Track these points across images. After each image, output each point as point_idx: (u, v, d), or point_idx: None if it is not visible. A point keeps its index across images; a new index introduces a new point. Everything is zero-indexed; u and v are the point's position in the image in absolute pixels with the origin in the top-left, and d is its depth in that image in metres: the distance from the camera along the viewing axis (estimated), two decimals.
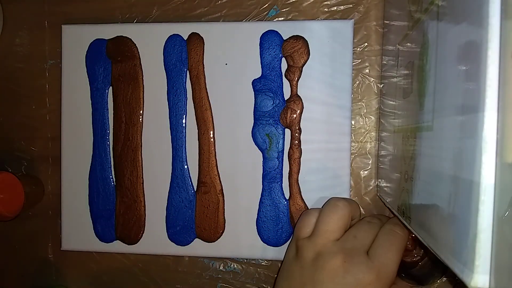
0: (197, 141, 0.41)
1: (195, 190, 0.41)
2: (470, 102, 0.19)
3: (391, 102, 0.35)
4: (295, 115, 0.39)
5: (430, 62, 0.25)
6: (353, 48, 0.39)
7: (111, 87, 0.42)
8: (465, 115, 0.19)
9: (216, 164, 0.40)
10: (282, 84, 0.40)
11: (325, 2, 0.40)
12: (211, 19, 0.41)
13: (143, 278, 0.43)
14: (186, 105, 0.41)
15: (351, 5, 0.40)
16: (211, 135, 0.40)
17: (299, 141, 0.39)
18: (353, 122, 0.40)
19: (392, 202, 0.34)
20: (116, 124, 0.42)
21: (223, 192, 0.40)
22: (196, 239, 0.41)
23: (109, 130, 0.42)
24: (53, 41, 0.43)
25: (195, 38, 0.40)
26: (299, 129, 0.39)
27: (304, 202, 0.40)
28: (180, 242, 0.41)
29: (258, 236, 0.40)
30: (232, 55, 0.40)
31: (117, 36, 0.41)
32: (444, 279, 0.38)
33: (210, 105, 0.40)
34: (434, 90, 0.24)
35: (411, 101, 0.29)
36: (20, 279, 0.45)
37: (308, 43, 0.39)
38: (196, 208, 0.41)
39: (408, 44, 0.30)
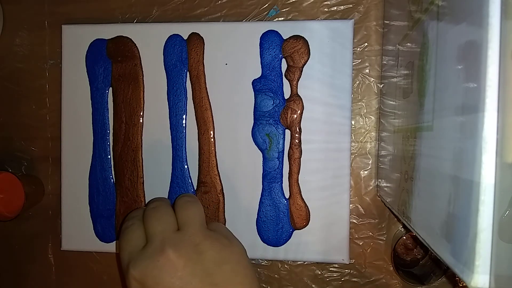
0: (197, 141, 0.41)
1: (195, 190, 0.41)
2: (470, 102, 0.19)
3: (391, 102, 0.35)
4: (295, 115, 0.39)
5: (430, 62, 0.25)
6: (353, 48, 0.39)
7: (111, 87, 0.42)
8: (465, 115, 0.19)
9: (216, 164, 0.40)
10: (282, 84, 0.40)
11: (325, 2, 0.40)
12: (211, 19, 0.41)
13: None
14: (186, 105, 0.41)
15: (351, 5, 0.40)
16: (211, 135, 0.40)
17: (299, 141, 0.39)
18: (353, 122, 0.40)
19: (392, 202, 0.34)
20: (116, 124, 0.42)
21: (223, 192, 0.40)
22: None
23: (109, 130, 0.42)
24: (53, 41, 0.43)
25: (195, 38, 0.40)
26: (299, 129, 0.39)
27: (304, 202, 0.40)
28: None
29: (258, 236, 0.40)
30: (232, 55, 0.40)
31: (117, 36, 0.41)
32: (444, 279, 0.38)
33: (210, 105, 0.40)
34: (434, 90, 0.24)
35: (411, 101, 0.29)
36: (20, 279, 0.45)
37: (308, 43, 0.39)
38: None
39: (408, 44, 0.30)
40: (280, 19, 0.41)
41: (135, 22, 0.42)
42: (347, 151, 0.39)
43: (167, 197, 0.41)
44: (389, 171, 0.36)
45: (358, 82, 0.40)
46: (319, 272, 0.41)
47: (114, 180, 0.42)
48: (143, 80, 0.41)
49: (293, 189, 0.40)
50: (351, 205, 0.40)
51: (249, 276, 0.31)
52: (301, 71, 0.39)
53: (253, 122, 0.40)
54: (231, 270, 0.30)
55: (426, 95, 0.25)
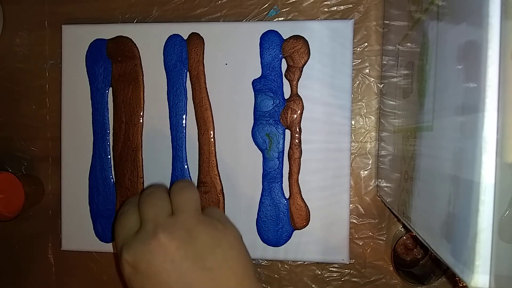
0: (197, 141, 0.41)
1: None
2: (470, 102, 0.19)
3: (391, 102, 0.35)
4: (295, 115, 0.39)
5: (430, 62, 0.25)
6: (353, 48, 0.39)
7: (111, 87, 0.42)
8: (465, 115, 0.19)
9: (216, 164, 0.40)
10: (282, 84, 0.39)
11: (325, 2, 0.40)
12: (211, 19, 0.41)
13: None
14: (186, 105, 0.41)
15: (351, 5, 0.40)
16: (211, 135, 0.40)
17: (299, 141, 0.39)
18: (353, 122, 0.40)
19: (392, 202, 0.34)
20: (116, 124, 0.42)
21: (223, 192, 0.40)
22: None
23: (109, 130, 0.42)
24: (53, 41, 0.43)
25: (195, 38, 0.40)
26: (299, 129, 0.39)
27: (304, 202, 0.40)
28: None
29: (258, 236, 0.40)
30: (232, 55, 0.40)
31: (117, 36, 0.41)
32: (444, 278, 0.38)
33: (210, 105, 0.40)
34: (434, 90, 0.24)
35: (411, 101, 0.29)
36: (20, 279, 0.45)
37: (308, 43, 0.39)
38: None
39: (408, 44, 0.30)
40: (280, 19, 0.41)
41: (135, 22, 0.42)
42: (347, 151, 0.39)
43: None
44: (389, 171, 0.36)
45: (358, 82, 0.40)
46: (319, 272, 0.41)
47: (114, 180, 0.42)
48: (143, 80, 0.41)
49: (293, 189, 0.40)
50: (351, 205, 0.40)
51: (243, 261, 0.30)
52: (301, 71, 0.39)
53: (253, 122, 0.40)
54: (225, 255, 0.29)
55: (426, 95, 0.25)
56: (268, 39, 0.39)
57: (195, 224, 0.30)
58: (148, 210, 0.30)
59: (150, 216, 0.30)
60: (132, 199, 0.34)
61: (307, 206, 0.40)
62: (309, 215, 0.40)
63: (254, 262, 0.42)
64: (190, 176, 0.41)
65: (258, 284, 0.31)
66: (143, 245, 0.28)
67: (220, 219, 0.32)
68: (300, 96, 0.39)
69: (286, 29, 0.39)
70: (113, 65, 0.41)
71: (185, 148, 0.41)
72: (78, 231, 0.42)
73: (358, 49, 0.40)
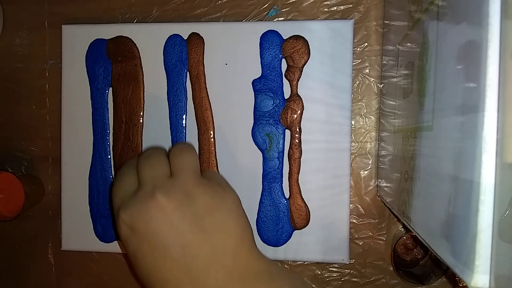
0: (197, 141, 0.41)
1: None
2: (470, 102, 0.19)
3: (391, 102, 0.35)
4: (295, 115, 0.39)
5: (430, 62, 0.25)
6: (353, 48, 0.39)
7: (111, 87, 0.42)
8: (465, 115, 0.19)
9: (217, 164, 0.40)
10: (282, 84, 0.39)
11: (325, 2, 0.40)
12: (211, 19, 0.41)
13: None
14: (186, 105, 0.41)
15: (351, 5, 0.40)
16: (211, 135, 0.40)
17: (299, 141, 0.39)
18: (353, 122, 0.40)
19: (392, 202, 0.34)
20: (116, 124, 0.42)
21: None
22: None
23: (109, 130, 0.42)
24: (53, 41, 0.43)
25: (195, 38, 0.40)
26: (299, 129, 0.39)
27: (304, 202, 0.40)
28: None
29: (258, 236, 0.40)
30: (232, 55, 0.40)
31: (117, 36, 0.41)
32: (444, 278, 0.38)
33: (210, 105, 0.40)
34: (434, 90, 0.24)
35: (411, 101, 0.29)
36: (20, 279, 0.45)
37: (308, 43, 0.39)
38: None
39: (408, 44, 0.30)
40: (280, 19, 0.41)
41: (135, 22, 0.42)
42: (347, 151, 0.39)
43: None
44: (389, 171, 0.36)
45: (358, 82, 0.40)
46: (319, 272, 0.41)
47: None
48: (143, 80, 0.41)
49: (293, 189, 0.40)
50: (351, 205, 0.40)
51: (241, 225, 0.30)
52: (301, 71, 0.39)
53: (253, 122, 0.40)
54: (222, 218, 0.29)
55: (426, 95, 0.25)
56: (268, 39, 0.39)
57: (194, 186, 0.29)
58: (147, 172, 0.30)
59: (148, 177, 0.29)
60: (130, 161, 0.33)
61: (307, 206, 0.40)
62: (309, 215, 0.40)
63: None
64: None
65: (255, 249, 0.30)
66: (140, 206, 0.28)
67: (219, 183, 0.31)
68: (300, 96, 0.39)
69: (286, 29, 0.39)
70: (113, 65, 0.41)
71: None
72: (78, 231, 0.42)
73: (358, 49, 0.40)
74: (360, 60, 0.40)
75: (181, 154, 0.31)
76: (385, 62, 0.39)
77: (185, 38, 0.40)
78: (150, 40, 0.41)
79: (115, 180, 0.32)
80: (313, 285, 0.41)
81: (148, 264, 0.28)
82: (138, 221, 0.28)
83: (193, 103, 0.41)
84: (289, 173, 0.40)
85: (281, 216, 0.40)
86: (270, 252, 0.40)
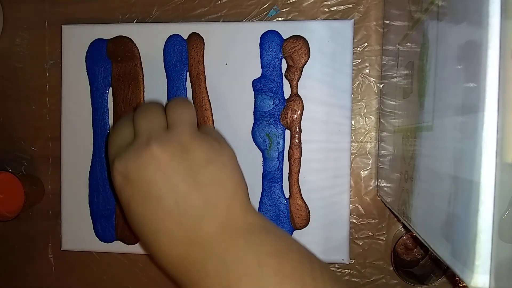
0: None
1: None
2: (470, 102, 0.19)
3: (391, 102, 0.35)
4: (295, 115, 0.39)
5: (430, 62, 0.25)
6: (353, 48, 0.39)
7: (111, 87, 0.42)
8: (465, 115, 0.19)
9: None
10: (282, 84, 0.39)
11: (325, 2, 0.40)
12: (211, 19, 0.41)
13: (143, 278, 0.43)
14: None
15: (351, 5, 0.40)
16: None
17: (299, 141, 0.39)
18: (353, 122, 0.40)
19: (392, 202, 0.34)
20: None
21: None
22: None
23: (109, 130, 0.42)
24: (53, 41, 0.43)
25: (195, 38, 0.40)
26: (299, 129, 0.39)
27: (304, 202, 0.40)
28: None
29: None
30: (232, 55, 0.40)
31: (117, 36, 0.41)
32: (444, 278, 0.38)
33: (210, 105, 0.40)
34: (434, 90, 0.24)
35: (411, 101, 0.29)
36: (20, 279, 0.45)
37: (308, 43, 0.39)
38: None
39: (408, 44, 0.30)
40: (280, 19, 0.41)
41: (135, 22, 0.42)
42: (347, 151, 0.39)
43: None
44: (389, 171, 0.36)
45: (358, 82, 0.40)
46: None
47: None
48: (143, 80, 0.41)
49: (293, 189, 0.40)
50: (351, 205, 0.40)
51: (235, 180, 0.30)
52: (301, 71, 0.39)
53: (253, 122, 0.40)
54: (217, 171, 0.29)
55: (426, 95, 0.25)
56: (268, 39, 0.39)
57: (190, 138, 0.29)
58: (143, 123, 0.30)
59: (144, 128, 0.29)
60: (127, 115, 0.33)
61: (307, 206, 0.40)
62: (309, 215, 0.40)
63: None
64: None
65: (249, 204, 0.30)
66: (135, 155, 0.28)
67: (216, 137, 0.31)
68: (300, 96, 0.39)
69: (286, 29, 0.39)
70: (113, 65, 0.41)
71: None
72: (78, 231, 0.42)
73: (358, 49, 0.40)
74: (360, 60, 0.40)
75: (178, 107, 0.31)
76: (385, 62, 0.39)
77: (185, 38, 0.40)
78: (150, 40, 0.41)
79: (111, 131, 0.32)
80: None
81: (141, 213, 0.28)
82: (132, 171, 0.28)
83: (193, 103, 0.41)
84: (289, 173, 0.40)
85: (281, 216, 0.40)
86: None
